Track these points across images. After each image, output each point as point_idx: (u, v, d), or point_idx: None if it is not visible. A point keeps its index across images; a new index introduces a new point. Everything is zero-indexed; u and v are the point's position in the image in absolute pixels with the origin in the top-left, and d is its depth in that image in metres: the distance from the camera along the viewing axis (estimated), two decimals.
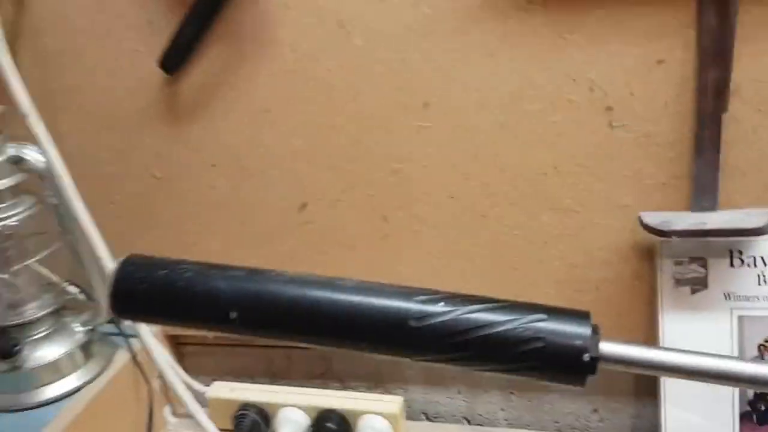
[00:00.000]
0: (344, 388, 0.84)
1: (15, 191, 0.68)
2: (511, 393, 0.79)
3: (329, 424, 0.74)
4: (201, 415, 0.78)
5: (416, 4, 0.62)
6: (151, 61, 0.70)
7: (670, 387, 0.65)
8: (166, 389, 0.82)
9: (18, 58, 0.73)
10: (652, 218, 0.62)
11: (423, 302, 0.41)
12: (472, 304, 0.41)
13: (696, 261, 0.64)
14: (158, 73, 0.71)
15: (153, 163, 0.76)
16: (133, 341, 0.79)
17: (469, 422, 0.82)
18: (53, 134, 0.70)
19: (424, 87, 0.65)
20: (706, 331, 0.64)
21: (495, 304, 0.41)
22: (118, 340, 0.79)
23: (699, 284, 0.64)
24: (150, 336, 0.78)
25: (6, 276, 0.68)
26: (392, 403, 0.74)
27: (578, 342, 0.39)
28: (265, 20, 0.67)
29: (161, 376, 0.81)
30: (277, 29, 0.67)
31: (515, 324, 0.40)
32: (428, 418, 0.83)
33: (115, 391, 0.75)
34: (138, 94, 0.73)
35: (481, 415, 0.81)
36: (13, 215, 0.67)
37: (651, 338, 0.66)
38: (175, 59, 0.70)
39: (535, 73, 0.63)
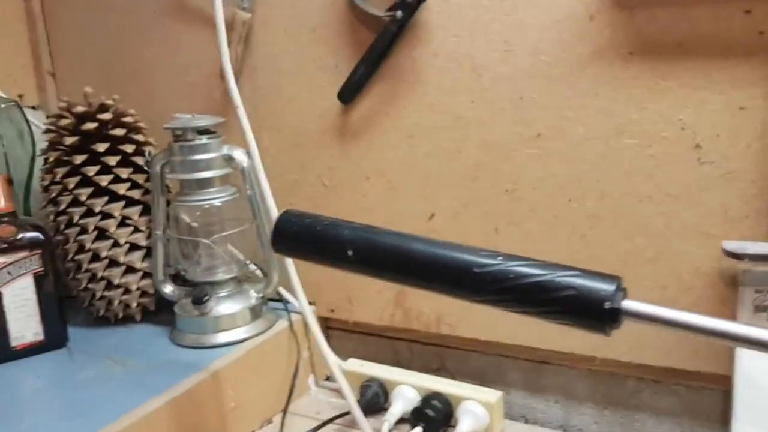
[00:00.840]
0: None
1: (223, 180, 0.92)
2: (605, 408, 0.86)
3: (435, 402, 0.86)
4: (341, 379, 0.93)
5: (535, 53, 0.77)
6: (333, 95, 0.92)
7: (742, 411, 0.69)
8: (312, 361, 1.00)
9: (240, 88, 0.99)
10: (732, 245, 0.69)
11: (484, 256, 0.54)
12: (522, 260, 0.53)
13: None
14: (336, 104, 0.92)
15: (324, 174, 0.97)
16: (293, 316, 0.98)
17: (564, 431, 0.89)
18: (258, 146, 0.94)
19: (538, 120, 0.79)
20: None
21: (541, 262, 0.53)
22: (282, 312, 1.00)
23: None
24: (308, 313, 0.97)
25: (208, 242, 0.92)
26: (492, 394, 0.85)
27: (603, 293, 0.49)
28: (417, 65, 0.86)
29: (310, 348, 0.99)
30: (425, 72, 0.85)
31: (553, 275, 0.52)
32: (527, 422, 0.92)
33: (272, 348, 0.95)
34: (320, 120, 0.95)
35: (575, 426, 0.88)
36: (219, 198, 0.91)
37: (729, 361, 0.71)
38: (350, 93, 0.91)
39: (634, 112, 0.74)
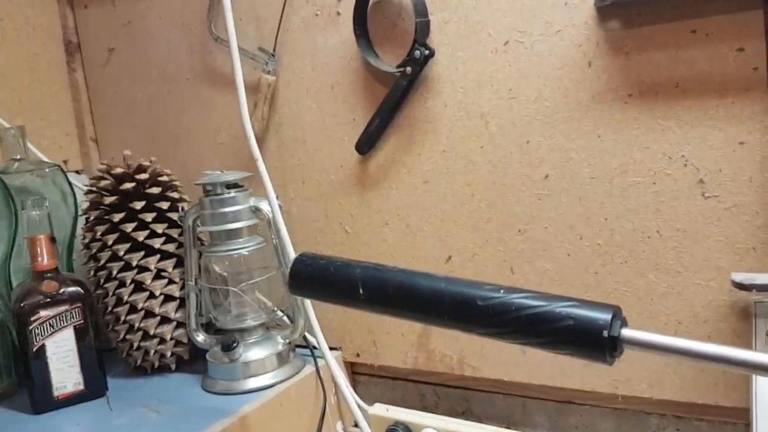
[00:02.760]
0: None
1: (251, 231, 0.97)
2: None
3: None
4: (364, 423, 0.95)
5: (538, 99, 0.81)
6: (352, 147, 0.97)
7: None
8: (339, 405, 1.03)
9: (267, 143, 1.05)
10: (740, 277, 0.70)
11: (487, 290, 0.57)
12: (523, 292, 0.56)
13: None
14: (355, 155, 0.97)
15: (346, 221, 1.01)
16: (320, 361, 1.01)
17: None
18: (284, 197, 1.00)
19: (545, 163, 0.82)
20: None
21: (541, 294, 0.55)
22: (309, 358, 1.03)
23: None
24: (332, 359, 0.99)
25: (236, 290, 0.96)
26: None
27: (600, 322, 0.51)
28: (430, 115, 0.90)
29: (336, 393, 1.01)
30: (436, 121, 0.90)
31: (553, 307, 0.54)
32: None
33: (299, 393, 0.97)
34: (340, 170, 1.00)
35: None
36: (247, 247, 0.96)
37: (747, 393, 0.71)
38: (367, 144, 0.96)
39: (636, 151, 0.76)
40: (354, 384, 1.07)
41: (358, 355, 1.05)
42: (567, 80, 0.79)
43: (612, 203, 0.79)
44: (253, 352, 0.97)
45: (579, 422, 0.89)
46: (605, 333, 0.51)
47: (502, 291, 0.57)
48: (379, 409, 0.97)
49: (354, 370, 1.08)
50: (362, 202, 0.99)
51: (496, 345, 0.90)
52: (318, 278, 0.66)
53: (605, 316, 0.52)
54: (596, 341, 0.52)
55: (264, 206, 0.96)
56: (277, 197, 0.93)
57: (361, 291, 0.63)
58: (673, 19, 0.71)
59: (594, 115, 0.78)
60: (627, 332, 0.51)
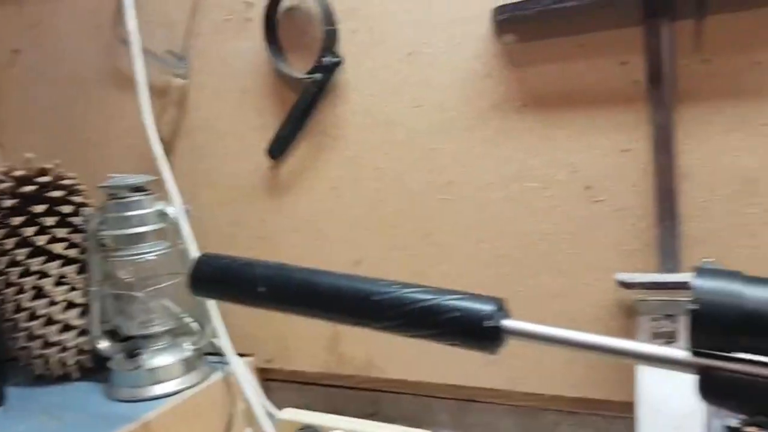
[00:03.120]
0: None
1: (158, 235, 0.95)
2: None
3: None
4: (270, 429, 0.95)
5: (442, 109, 0.84)
6: (262, 152, 0.97)
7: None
8: (250, 411, 1.02)
9: (177, 148, 1.04)
10: (623, 276, 0.74)
11: (382, 285, 0.59)
12: (415, 287, 0.58)
13: (668, 317, 0.74)
14: (266, 160, 0.98)
15: (258, 227, 1.01)
16: (228, 367, 1.00)
17: None
18: (196, 202, 0.99)
19: (448, 169, 0.85)
20: (677, 378, 0.72)
21: (432, 288, 0.58)
22: (217, 364, 1.01)
23: (671, 338, 0.73)
24: (241, 365, 0.99)
25: (141, 295, 0.94)
26: None
27: (483, 313, 0.54)
28: (339, 122, 0.92)
29: (246, 399, 1.01)
30: (346, 128, 0.92)
31: (441, 299, 0.56)
32: None
33: (206, 400, 0.96)
34: (252, 175, 1.00)
35: None
36: (153, 252, 0.94)
37: (632, 385, 0.76)
38: (278, 149, 0.96)
39: (531, 158, 0.80)
40: (267, 390, 1.07)
41: (269, 361, 1.05)
42: (468, 90, 0.82)
43: (509, 208, 0.83)
44: (159, 359, 0.95)
45: (480, 420, 0.92)
46: (486, 323, 0.53)
47: (395, 286, 0.59)
48: (289, 414, 0.97)
49: (267, 376, 1.08)
50: (273, 208, 1.00)
51: (401, 345, 0.93)
52: (219, 278, 0.66)
53: (488, 307, 0.54)
54: (479, 331, 0.54)
55: (170, 210, 0.95)
56: (185, 202, 0.92)
57: (262, 289, 0.63)
58: (563, 34, 0.76)
59: (493, 123, 0.82)
60: (509, 323, 0.53)
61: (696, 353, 0.46)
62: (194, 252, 0.91)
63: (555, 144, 0.79)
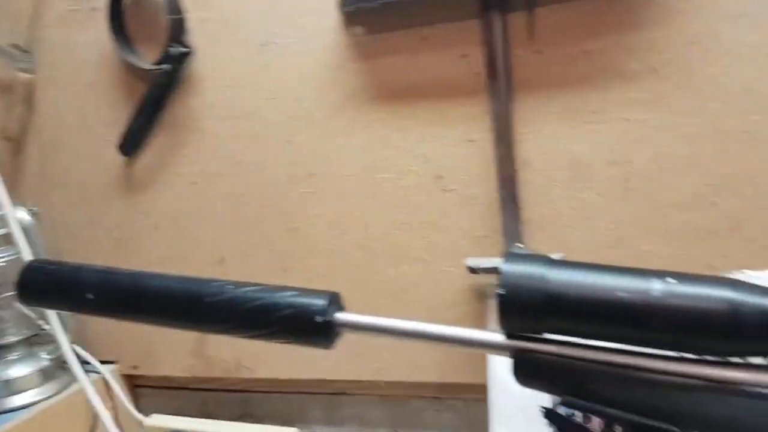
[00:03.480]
0: None
1: (6, 240, 0.89)
2: (395, 431, 0.90)
3: None
4: None
5: (298, 99, 0.83)
6: (116, 148, 0.93)
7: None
8: (118, 419, 0.98)
9: (26, 147, 0.98)
10: (471, 261, 0.76)
11: (215, 286, 0.57)
12: (249, 286, 0.57)
13: None
14: (120, 157, 0.93)
15: (114, 228, 0.97)
16: (92, 375, 0.96)
17: None
18: (47, 204, 0.93)
19: (308, 161, 0.85)
20: None
21: (268, 286, 0.57)
22: (78, 372, 0.96)
23: None
24: (107, 372, 0.95)
25: None
26: (288, 431, 0.87)
27: (315, 308, 0.53)
28: (195, 115, 0.89)
29: (114, 407, 0.97)
30: (202, 121, 0.89)
31: (275, 298, 0.55)
32: None
33: (68, 409, 0.91)
34: (105, 173, 0.96)
35: None
36: (3, 258, 0.88)
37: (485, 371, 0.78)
38: (131, 145, 0.92)
39: (386, 149, 0.81)
40: (136, 397, 1.03)
41: (135, 367, 1.01)
42: (321, 82, 0.82)
43: (367, 199, 0.83)
44: (14, 370, 0.90)
45: (351, 413, 0.92)
46: (318, 318, 0.53)
47: (229, 287, 0.57)
48: (156, 420, 0.94)
49: (135, 383, 1.04)
50: (130, 207, 0.95)
51: (269, 345, 0.91)
52: (48, 286, 0.62)
53: (321, 302, 0.53)
54: (312, 327, 0.53)
55: (21, 214, 0.89)
56: (36, 203, 0.87)
57: (90, 296, 0.60)
58: (408, 26, 0.77)
59: (348, 115, 0.82)
60: (342, 316, 0.53)
61: (509, 336, 0.47)
62: (28, 258, 0.86)
63: (407, 135, 0.79)
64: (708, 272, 0.68)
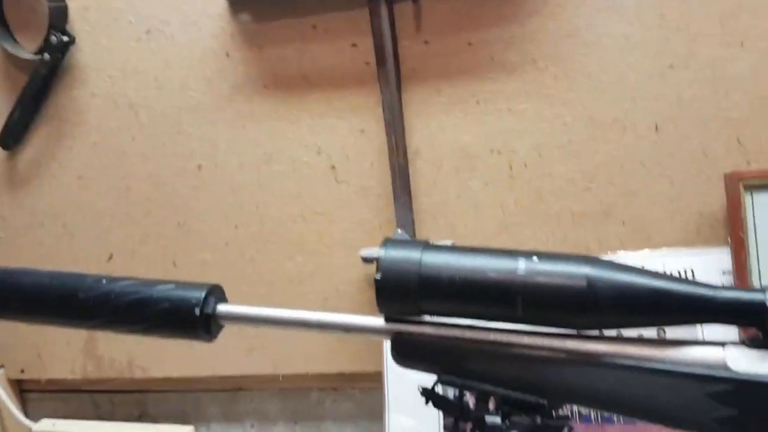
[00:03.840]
0: None
1: None
2: (295, 423, 0.89)
3: None
4: None
5: (183, 88, 0.81)
6: None
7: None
8: (4, 426, 0.92)
9: None
10: (364, 252, 0.77)
11: (91, 282, 0.55)
12: (125, 280, 0.55)
13: None
14: (1, 151, 0.88)
15: None
16: None
17: None
18: None
19: (197, 153, 0.83)
20: None
21: (142, 280, 0.55)
22: None
23: None
24: None
25: None
26: (184, 429, 0.85)
27: (193, 301, 0.52)
28: (77, 106, 0.85)
29: None
30: (85, 112, 0.85)
31: (151, 292, 0.53)
32: None
33: None
34: None
35: None
36: None
37: (381, 358, 0.79)
38: (12, 138, 0.87)
39: (279, 141, 0.80)
40: (25, 401, 0.97)
41: (23, 371, 0.96)
42: (208, 71, 0.80)
43: (261, 191, 0.82)
44: None
45: (249, 408, 0.91)
46: (197, 311, 0.51)
47: (104, 281, 0.55)
48: (45, 425, 0.90)
49: (23, 387, 0.98)
50: (13, 203, 0.90)
51: (162, 343, 0.88)
52: None
53: (198, 295, 0.52)
54: (190, 320, 0.52)
55: None
56: None
57: None
58: (297, 14, 0.76)
59: (236, 105, 0.80)
60: (222, 308, 0.52)
61: (388, 319, 0.48)
62: None
63: (299, 126, 0.79)
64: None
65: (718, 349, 0.42)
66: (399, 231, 0.74)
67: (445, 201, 0.76)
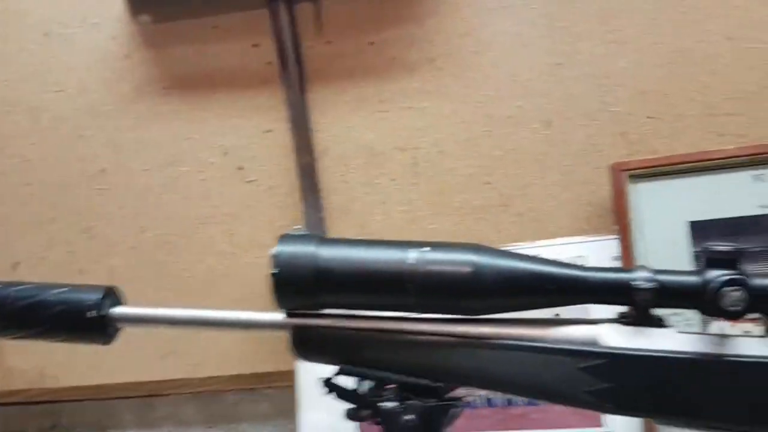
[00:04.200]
0: None
1: None
2: (212, 427, 0.89)
3: None
4: None
5: (84, 92, 0.80)
6: None
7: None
8: None
9: None
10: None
11: None
12: (20, 284, 0.53)
13: None
14: None
15: None
16: None
17: None
18: None
19: (100, 157, 0.82)
20: None
21: (37, 284, 0.54)
22: None
23: None
24: None
25: None
26: None
27: (88, 304, 0.51)
28: None
29: None
30: None
31: (46, 295, 0.52)
32: None
33: None
34: None
35: None
36: None
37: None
38: None
39: (182, 142, 0.80)
40: None
41: None
42: (108, 72, 0.79)
43: (167, 193, 0.81)
44: None
45: (166, 413, 0.90)
46: (90, 314, 0.51)
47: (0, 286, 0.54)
48: None
49: None
50: None
51: (74, 351, 0.86)
52: None
53: (93, 298, 0.51)
54: (85, 323, 0.51)
55: None
56: None
57: None
58: (198, 15, 0.76)
59: (138, 107, 0.80)
60: (118, 310, 0.51)
61: (289, 314, 0.49)
62: None
63: (204, 127, 0.79)
64: None
65: (592, 327, 0.45)
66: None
67: (354, 198, 0.78)
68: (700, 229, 0.67)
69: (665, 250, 0.69)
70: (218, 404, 0.88)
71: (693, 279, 0.42)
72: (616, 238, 0.70)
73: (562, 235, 0.74)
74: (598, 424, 0.70)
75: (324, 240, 0.48)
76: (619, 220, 0.69)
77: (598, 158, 0.72)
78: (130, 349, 0.87)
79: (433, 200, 0.77)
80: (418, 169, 0.77)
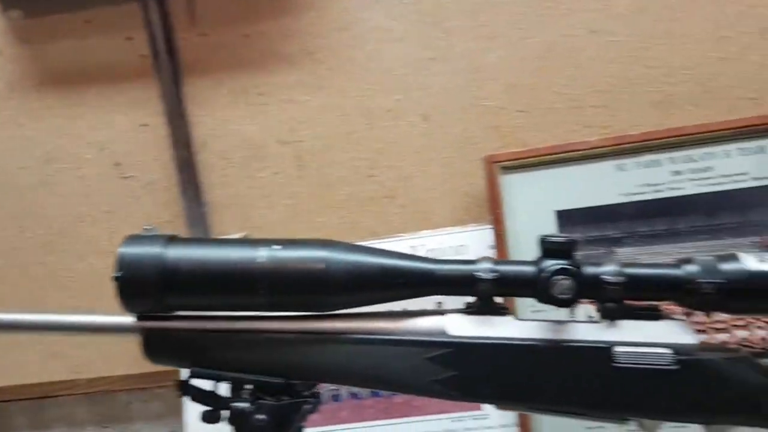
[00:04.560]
0: None
1: None
2: (105, 427, 0.87)
3: None
4: None
5: None
6: None
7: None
8: None
9: None
10: None
11: None
12: None
13: None
14: None
15: None
16: None
17: None
18: None
19: None
20: None
21: None
22: None
23: None
24: None
25: None
26: None
27: None
28: None
29: None
30: None
31: None
32: None
33: None
34: None
35: None
36: None
37: None
38: None
39: (59, 138, 0.78)
40: None
41: None
42: None
43: (45, 192, 0.79)
44: None
45: (58, 414, 0.87)
46: None
47: None
48: None
49: None
50: None
51: None
52: None
53: None
54: None
55: None
56: None
57: None
58: (69, 9, 0.74)
59: (12, 104, 0.77)
60: None
61: (140, 317, 0.48)
62: None
63: (79, 123, 0.77)
64: (371, 238, 0.75)
65: (440, 318, 0.46)
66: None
67: (236, 193, 0.77)
68: (567, 218, 0.70)
69: (535, 239, 0.72)
70: (110, 404, 0.86)
71: (529, 269, 0.43)
72: (492, 228, 0.72)
73: (444, 226, 0.75)
74: (477, 407, 0.72)
75: (172, 240, 0.48)
76: (492, 211, 0.71)
77: (474, 151, 0.73)
78: (18, 352, 0.85)
79: (317, 193, 0.77)
80: (301, 163, 0.77)
